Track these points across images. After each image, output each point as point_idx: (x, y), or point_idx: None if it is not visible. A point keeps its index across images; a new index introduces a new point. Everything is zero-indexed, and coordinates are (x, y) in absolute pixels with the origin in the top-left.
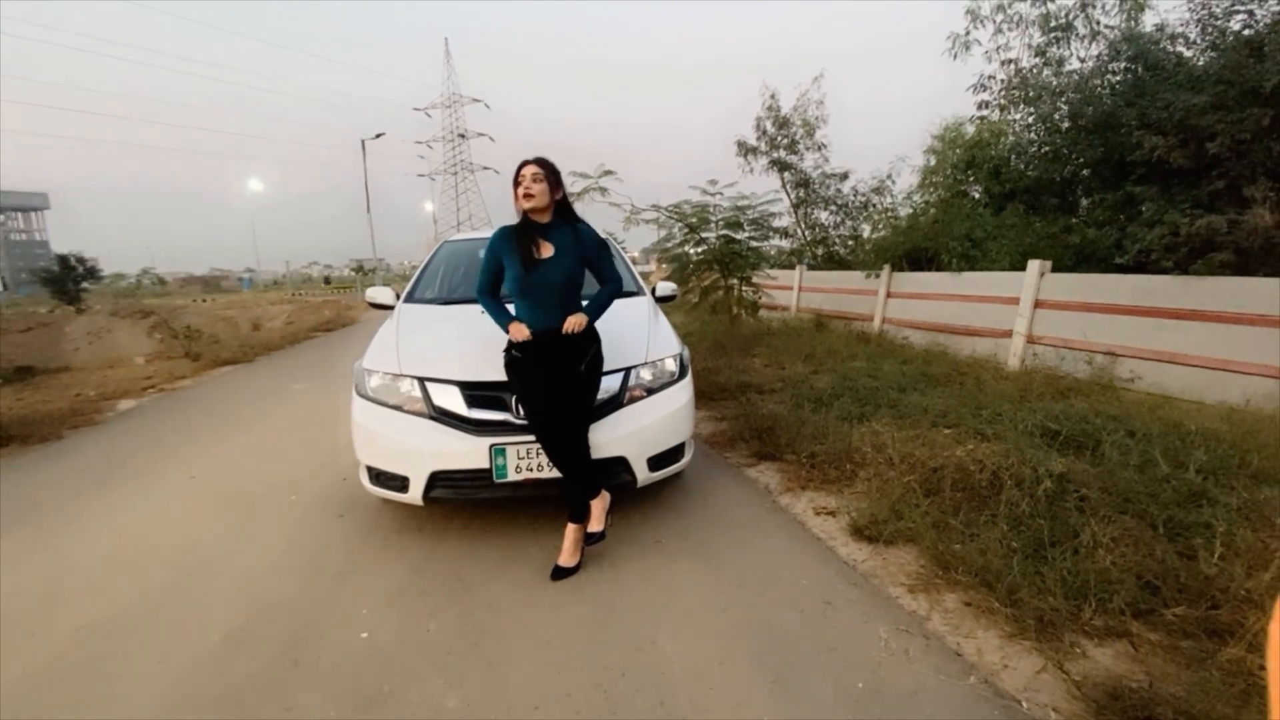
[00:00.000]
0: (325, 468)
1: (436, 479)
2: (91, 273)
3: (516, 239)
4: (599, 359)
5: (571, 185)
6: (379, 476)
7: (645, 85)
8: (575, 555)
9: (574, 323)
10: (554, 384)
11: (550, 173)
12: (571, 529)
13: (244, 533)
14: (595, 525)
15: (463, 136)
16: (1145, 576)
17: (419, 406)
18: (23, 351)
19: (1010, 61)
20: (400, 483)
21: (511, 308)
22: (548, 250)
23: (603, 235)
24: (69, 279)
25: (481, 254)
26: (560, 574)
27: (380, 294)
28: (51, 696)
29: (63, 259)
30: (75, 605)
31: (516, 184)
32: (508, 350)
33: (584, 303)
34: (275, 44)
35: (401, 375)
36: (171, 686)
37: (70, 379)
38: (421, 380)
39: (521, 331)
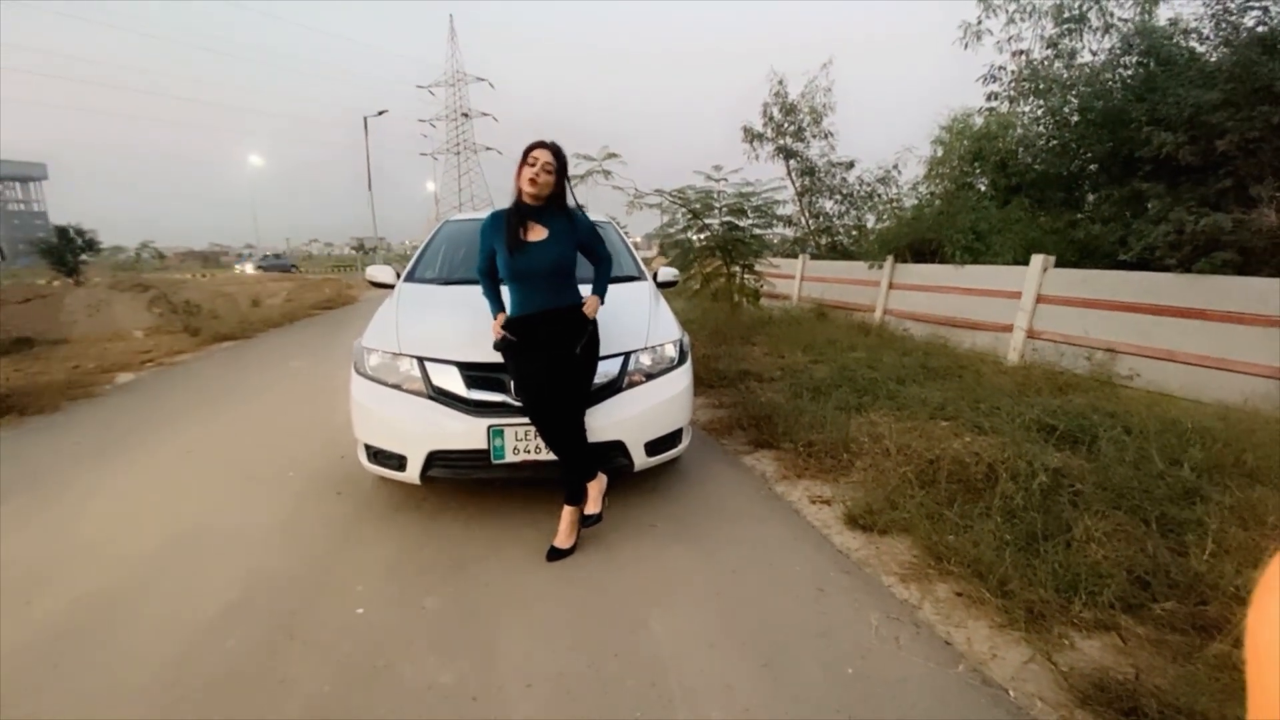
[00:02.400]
0: (324, 445)
1: (434, 458)
2: (90, 245)
3: (506, 222)
4: (595, 342)
5: (575, 167)
6: (377, 455)
7: (653, 74)
8: (571, 537)
9: (593, 307)
10: (549, 367)
11: (560, 165)
12: (568, 511)
13: (241, 507)
14: (592, 508)
15: (466, 116)
16: (1136, 571)
17: (418, 386)
18: (21, 323)
19: (1021, 53)
20: (398, 461)
21: (506, 292)
22: (539, 233)
23: (606, 219)
24: (68, 251)
25: None
26: (556, 555)
27: (381, 272)
28: (48, 666)
29: (61, 230)
30: (72, 576)
31: (524, 163)
32: (501, 333)
33: (582, 287)
34: (280, 18)
35: (401, 354)
36: (167, 658)
37: (69, 351)
38: (421, 360)
39: (498, 331)
